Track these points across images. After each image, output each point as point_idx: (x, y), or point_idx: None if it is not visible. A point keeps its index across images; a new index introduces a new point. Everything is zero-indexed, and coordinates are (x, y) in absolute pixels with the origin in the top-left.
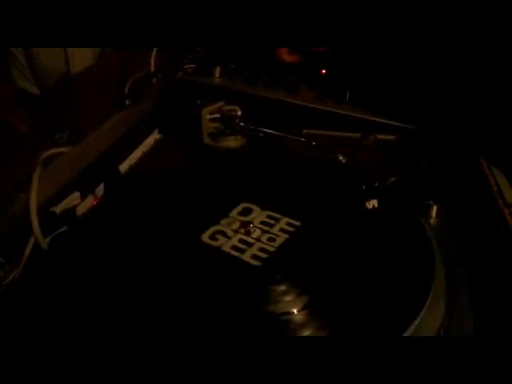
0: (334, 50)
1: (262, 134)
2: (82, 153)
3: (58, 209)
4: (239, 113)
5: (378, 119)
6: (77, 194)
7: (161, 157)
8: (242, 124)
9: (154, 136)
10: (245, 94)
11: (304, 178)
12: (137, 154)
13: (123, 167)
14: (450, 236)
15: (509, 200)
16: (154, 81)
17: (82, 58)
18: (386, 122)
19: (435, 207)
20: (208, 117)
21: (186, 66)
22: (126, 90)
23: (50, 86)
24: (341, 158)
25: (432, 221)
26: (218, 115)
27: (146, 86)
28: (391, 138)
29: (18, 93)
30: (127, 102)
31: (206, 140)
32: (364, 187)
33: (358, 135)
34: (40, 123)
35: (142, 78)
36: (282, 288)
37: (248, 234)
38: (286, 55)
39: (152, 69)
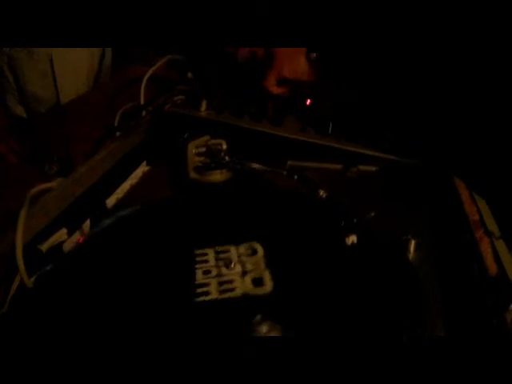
0: (318, 81)
1: (246, 168)
2: (70, 188)
3: (44, 246)
4: (224, 146)
5: (359, 150)
6: (64, 231)
7: (148, 190)
8: (227, 158)
9: (143, 168)
10: (231, 126)
11: (286, 213)
12: (125, 186)
13: (111, 201)
14: (430, 271)
15: (490, 228)
16: (144, 113)
17: (73, 86)
18: (368, 153)
19: (413, 242)
20: (194, 151)
21: (176, 98)
22: (116, 122)
23: (40, 113)
24: (321, 192)
25: (411, 256)
26: (203, 149)
27: (136, 118)
28: (373, 169)
29: (14, 119)
30: (117, 133)
31: (192, 174)
32: (343, 223)
33: (341, 167)
34: (29, 152)
35: (132, 110)
36: (264, 327)
37: (228, 267)
38: (273, 87)
39: (142, 100)
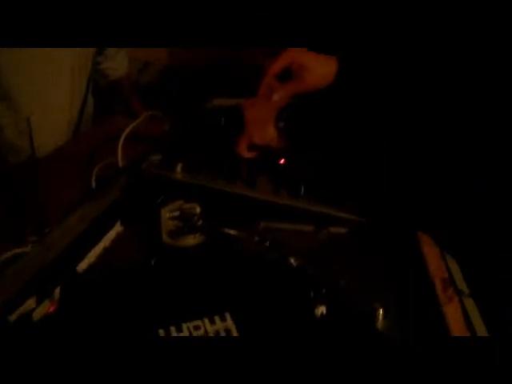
0: (287, 147)
1: (219, 232)
2: (43, 253)
3: (13, 316)
4: (198, 210)
5: (331, 212)
6: (33, 299)
7: (121, 253)
8: (200, 222)
9: (117, 229)
10: (205, 188)
11: (257, 282)
12: (97, 249)
13: (82, 266)
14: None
15: (460, 286)
16: (120, 168)
17: (52, 139)
18: (338, 214)
19: (381, 310)
20: (167, 215)
21: (153, 158)
22: (93, 181)
23: (14, 163)
24: (292, 260)
25: (379, 324)
26: (177, 213)
27: (112, 176)
28: (343, 231)
29: None
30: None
31: (165, 238)
32: (312, 294)
33: (312, 228)
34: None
35: (109, 169)
36: None
37: None
38: (244, 152)
39: (119, 159)
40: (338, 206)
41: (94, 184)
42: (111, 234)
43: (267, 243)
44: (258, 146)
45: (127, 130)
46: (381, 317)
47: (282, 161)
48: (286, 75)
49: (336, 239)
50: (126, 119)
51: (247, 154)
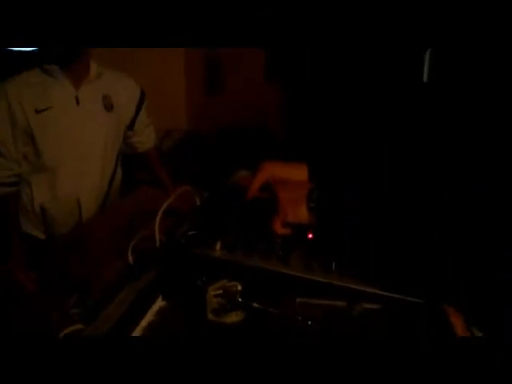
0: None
1: (260, 309)
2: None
3: None
4: (239, 288)
5: (362, 288)
6: None
7: (164, 326)
8: (241, 300)
9: (159, 303)
10: (243, 265)
11: (299, 359)
12: (143, 324)
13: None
14: None
15: None
16: (158, 243)
17: (88, 208)
18: (371, 290)
19: None
20: (212, 293)
21: (190, 233)
22: (129, 252)
23: (57, 234)
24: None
25: None
26: (220, 291)
27: (150, 251)
28: (376, 306)
29: (24, 237)
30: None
31: (210, 316)
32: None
33: (345, 304)
34: (48, 279)
35: (145, 239)
36: None
37: None
38: (279, 229)
39: (157, 236)
40: (369, 282)
41: (130, 258)
42: (153, 309)
43: (309, 323)
44: (291, 224)
45: (164, 206)
46: None
47: (311, 235)
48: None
49: (369, 315)
50: (154, 190)
51: (282, 231)
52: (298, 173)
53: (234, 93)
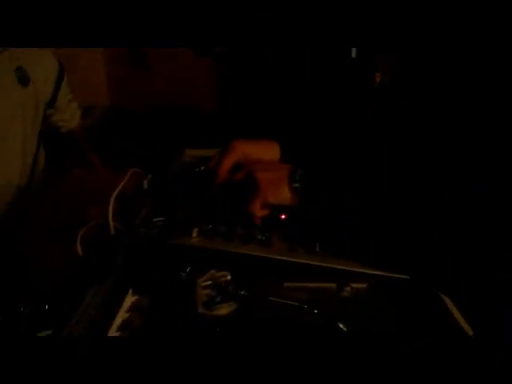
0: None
1: (253, 299)
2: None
3: None
4: (229, 278)
5: (349, 267)
6: None
7: (144, 323)
8: (231, 289)
9: (130, 299)
10: (228, 253)
11: (304, 350)
12: (117, 321)
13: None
14: None
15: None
16: (113, 231)
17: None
18: (359, 270)
19: None
20: (201, 285)
21: (155, 220)
22: (78, 244)
23: None
24: (341, 325)
25: None
26: (209, 282)
27: (103, 241)
28: (364, 286)
29: None
30: None
31: (201, 309)
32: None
33: (334, 285)
34: None
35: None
36: None
37: None
38: (258, 211)
39: (110, 220)
40: (355, 261)
41: (80, 250)
42: (125, 306)
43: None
44: (271, 205)
45: (117, 191)
46: None
47: (283, 216)
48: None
49: (360, 295)
50: (88, 173)
51: (261, 213)
52: (268, 152)
53: (160, 67)
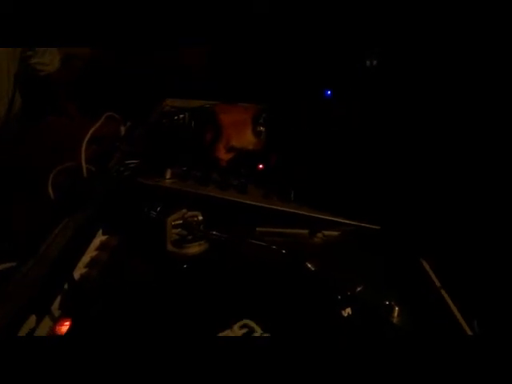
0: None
1: (223, 239)
2: (36, 268)
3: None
4: (201, 218)
5: (323, 216)
6: (33, 318)
7: (111, 261)
8: (203, 229)
9: (99, 238)
10: (197, 195)
11: (275, 287)
12: (85, 259)
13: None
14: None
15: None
16: (85, 174)
17: None
18: (331, 218)
19: (396, 308)
20: (171, 224)
21: (128, 162)
22: (49, 186)
23: None
24: (309, 265)
25: (395, 320)
26: (179, 221)
27: (81, 183)
28: (336, 233)
29: None
30: None
31: (169, 247)
32: (339, 297)
33: (306, 232)
34: None
35: (66, 171)
36: None
37: None
38: (222, 154)
39: (83, 162)
40: (328, 210)
41: (51, 193)
42: (95, 243)
43: (284, 251)
44: (235, 148)
45: (90, 133)
46: (396, 313)
47: (261, 166)
48: None
49: (331, 242)
50: (63, 120)
51: (225, 157)
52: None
53: None
